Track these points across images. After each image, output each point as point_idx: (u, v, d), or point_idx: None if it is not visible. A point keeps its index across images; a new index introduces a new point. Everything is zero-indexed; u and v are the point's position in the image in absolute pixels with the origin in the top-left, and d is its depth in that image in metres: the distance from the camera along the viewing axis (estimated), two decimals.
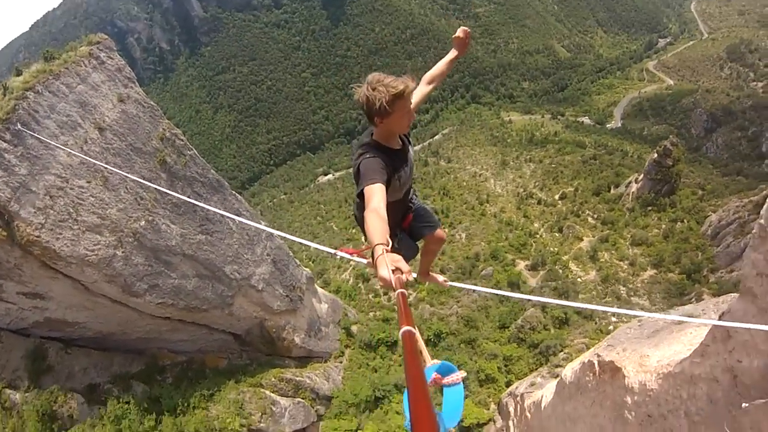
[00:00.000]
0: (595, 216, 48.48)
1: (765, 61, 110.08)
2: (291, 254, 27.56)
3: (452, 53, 3.80)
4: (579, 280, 38.15)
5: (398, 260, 1.94)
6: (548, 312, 32.83)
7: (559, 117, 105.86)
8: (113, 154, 16.60)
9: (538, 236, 48.47)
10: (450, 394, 3.47)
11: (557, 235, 47.46)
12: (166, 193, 18.19)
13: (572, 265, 40.74)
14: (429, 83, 3.73)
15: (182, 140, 20.21)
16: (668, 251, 38.24)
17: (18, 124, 12.93)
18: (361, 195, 2.76)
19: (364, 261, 3.60)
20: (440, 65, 3.80)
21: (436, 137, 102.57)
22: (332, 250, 3.75)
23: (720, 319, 4.35)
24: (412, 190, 3.77)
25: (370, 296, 41.18)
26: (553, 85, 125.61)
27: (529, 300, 34.60)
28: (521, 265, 43.24)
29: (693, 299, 30.02)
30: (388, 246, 2.11)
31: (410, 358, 1.10)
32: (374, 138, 3.13)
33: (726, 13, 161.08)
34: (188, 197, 20.05)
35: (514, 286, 38.55)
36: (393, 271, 1.85)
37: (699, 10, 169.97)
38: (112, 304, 16.08)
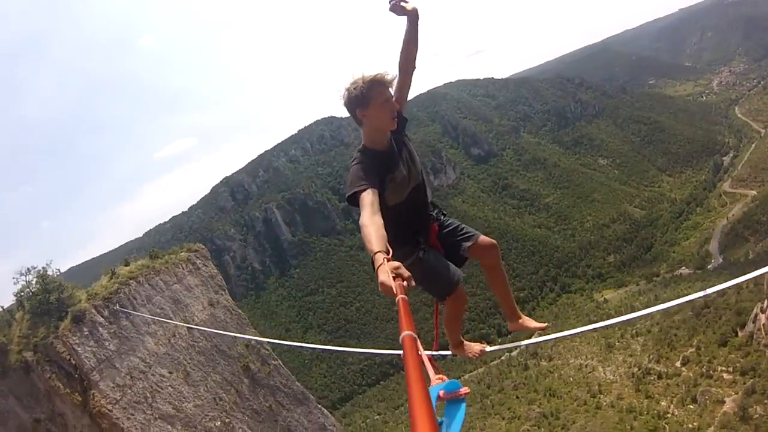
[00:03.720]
0: (731, 368, 41.80)
1: None
2: None
3: (406, 24, 3.25)
4: None
5: (398, 266, 1.94)
6: None
7: (655, 279, 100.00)
8: (198, 351, 17.45)
9: (669, 416, 42.00)
10: (451, 409, 3.12)
11: (692, 407, 40.73)
12: (246, 398, 18.21)
13: None
14: (402, 70, 3.34)
15: (267, 350, 21.02)
16: None
17: (117, 305, 14.26)
18: (351, 200, 2.76)
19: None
20: (404, 43, 3.29)
21: (533, 338, 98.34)
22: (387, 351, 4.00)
23: None
24: (430, 199, 3.54)
25: None
26: (638, 248, 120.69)
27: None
28: None
29: None
30: (388, 254, 2.10)
31: (411, 363, 1.10)
32: (363, 144, 3.14)
33: None
34: (269, 406, 19.81)
35: None
36: (394, 278, 1.87)
37: (744, 112, 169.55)
38: None
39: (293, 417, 20.08)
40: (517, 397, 65.86)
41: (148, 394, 14.63)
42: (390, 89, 2.98)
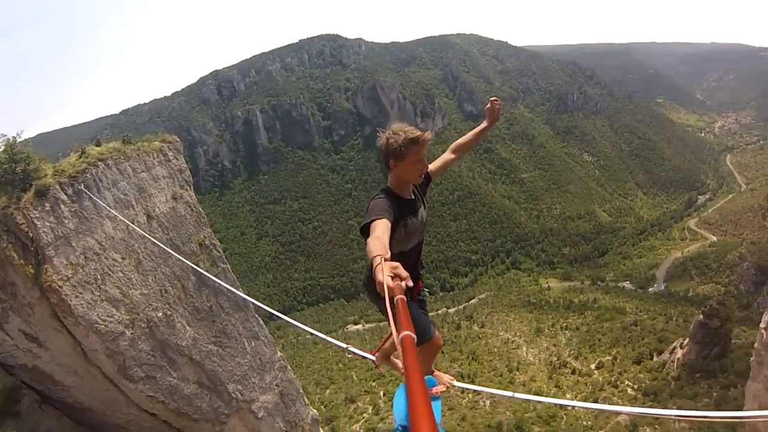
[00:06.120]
0: (636, 386, 44.82)
1: None
2: (302, 392, 26.31)
3: (483, 124, 4.05)
4: None
5: (396, 266, 1.92)
6: None
7: (599, 283, 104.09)
8: (153, 242, 17.36)
9: (569, 409, 44.81)
10: None
11: None
12: (189, 292, 18.60)
13: None
14: (454, 152, 3.96)
15: (219, 252, 21.03)
16: (722, 423, 33.72)
17: (82, 185, 14.11)
18: (364, 231, 2.81)
19: (372, 358, 3.82)
20: (469, 135, 4.04)
21: (472, 301, 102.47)
22: (343, 345, 3.94)
23: None
24: (420, 263, 3.84)
25: None
26: (594, 250, 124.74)
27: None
28: None
29: None
30: (387, 256, 2.11)
31: (411, 363, 1.11)
32: (388, 185, 3.35)
33: (761, 161, 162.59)
34: (210, 306, 20.32)
35: None
36: (392, 277, 1.83)
37: (735, 162, 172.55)
38: (103, 380, 15.47)
39: (230, 321, 20.58)
40: (442, 352, 68.13)
41: (99, 276, 14.58)
42: (425, 148, 3.20)
